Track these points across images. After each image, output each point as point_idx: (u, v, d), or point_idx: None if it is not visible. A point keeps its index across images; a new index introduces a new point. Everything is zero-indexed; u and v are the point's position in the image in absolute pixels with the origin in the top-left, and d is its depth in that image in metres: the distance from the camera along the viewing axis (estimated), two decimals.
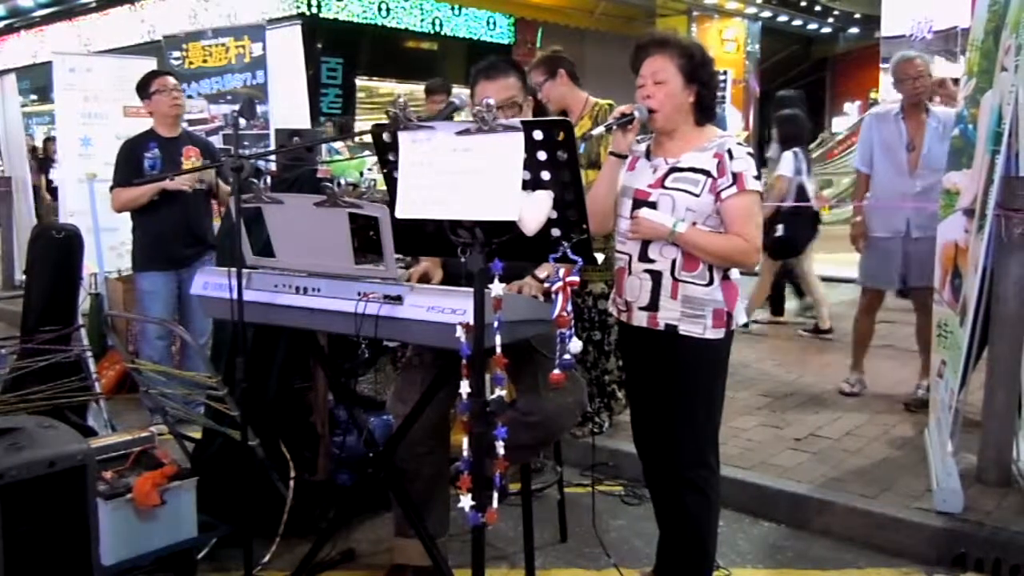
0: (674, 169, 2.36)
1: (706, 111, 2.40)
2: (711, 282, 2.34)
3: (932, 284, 4.32)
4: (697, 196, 2.31)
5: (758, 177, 2.33)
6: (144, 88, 4.28)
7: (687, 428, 2.40)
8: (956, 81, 5.02)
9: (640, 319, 2.41)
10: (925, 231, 4.25)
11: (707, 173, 2.31)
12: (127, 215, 4.34)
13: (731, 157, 2.30)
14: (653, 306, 2.37)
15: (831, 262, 8.07)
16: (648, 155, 2.44)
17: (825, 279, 8.26)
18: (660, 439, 2.47)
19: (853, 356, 4.70)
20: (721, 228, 2.34)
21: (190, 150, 4.25)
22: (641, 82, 2.37)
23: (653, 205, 2.35)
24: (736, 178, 2.30)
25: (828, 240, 8.08)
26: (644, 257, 2.38)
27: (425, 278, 2.63)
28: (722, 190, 2.30)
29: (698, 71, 2.35)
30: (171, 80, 4.29)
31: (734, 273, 2.39)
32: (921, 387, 4.32)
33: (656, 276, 2.36)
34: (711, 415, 2.45)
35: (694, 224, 2.31)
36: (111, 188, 4.21)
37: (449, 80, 5.73)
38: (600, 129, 2.38)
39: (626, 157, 2.42)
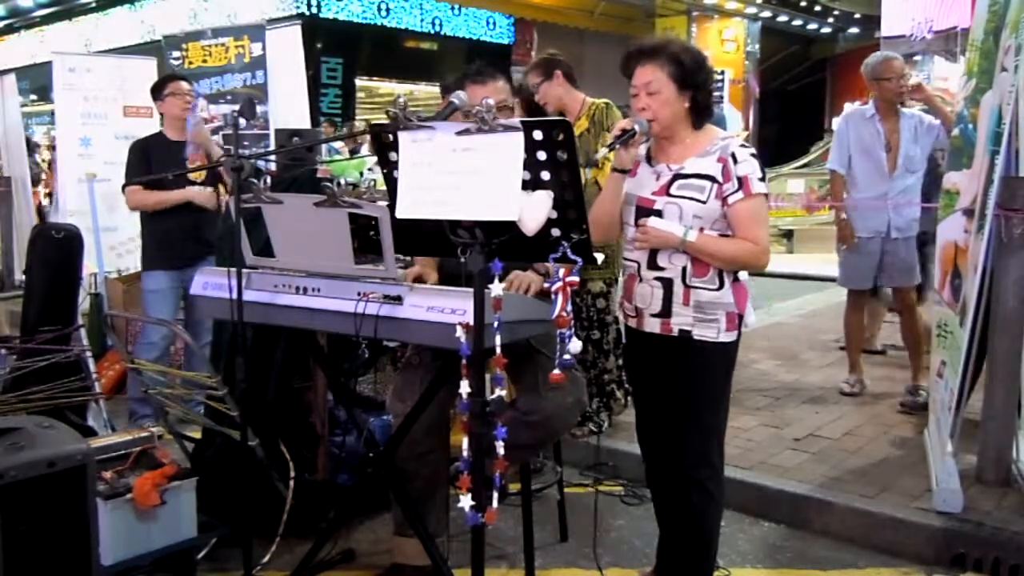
0: (678, 176, 2.34)
1: (703, 113, 2.38)
2: (721, 285, 2.33)
3: (912, 284, 4.37)
4: (703, 203, 2.30)
5: (763, 178, 2.32)
6: (158, 90, 4.37)
7: (695, 429, 2.40)
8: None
9: (652, 326, 2.40)
10: (903, 232, 4.34)
11: (712, 179, 2.30)
12: (128, 215, 4.36)
13: (735, 161, 2.29)
14: (666, 313, 2.37)
15: (829, 262, 8.10)
16: (649, 160, 2.43)
17: (823, 279, 8.28)
18: (667, 440, 2.47)
19: (849, 357, 4.71)
20: (728, 231, 2.33)
21: (196, 155, 4.27)
22: (634, 92, 2.36)
23: (659, 214, 2.34)
24: (742, 182, 2.29)
25: (827, 240, 8.11)
26: (653, 265, 2.37)
27: (419, 281, 2.62)
28: (728, 195, 2.30)
29: (690, 77, 2.32)
30: (185, 85, 4.36)
31: (743, 274, 2.39)
32: (920, 389, 4.32)
33: (667, 283, 2.36)
34: (719, 415, 2.46)
35: (701, 230, 2.31)
36: (124, 187, 4.24)
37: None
38: (603, 151, 2.34)
39: (628, 171, 2.40)
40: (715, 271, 2.33)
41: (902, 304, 4.49)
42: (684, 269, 2.33)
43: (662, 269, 2.36)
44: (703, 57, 2.39)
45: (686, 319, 2.35)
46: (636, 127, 2.30)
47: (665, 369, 2.41)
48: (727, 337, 2.36)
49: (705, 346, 2.35)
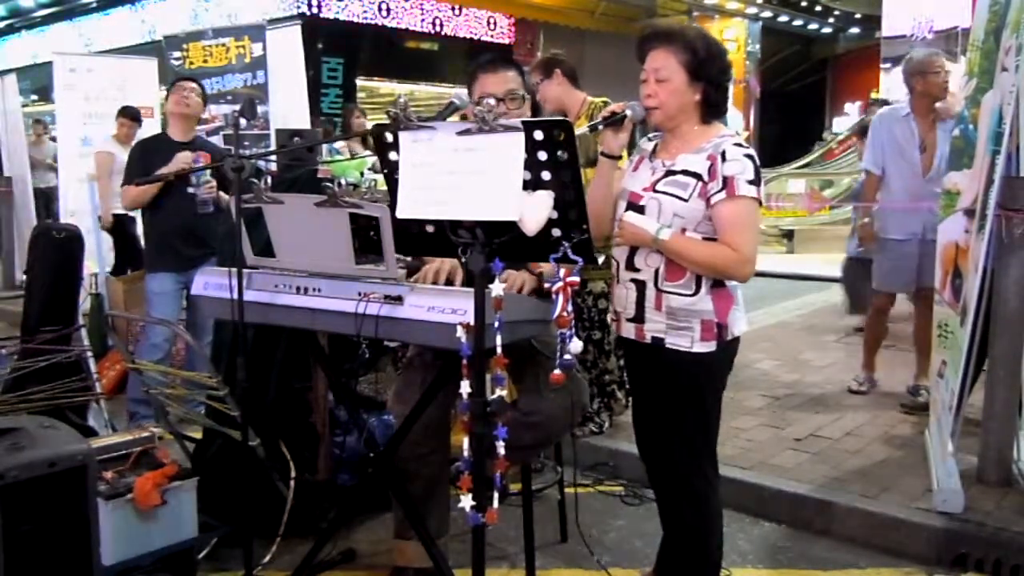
0: (669, 172, 2.24)
1: (714, 109, 2.27)
2: (697, 291, 2.21)
3: None
4: (685, 201, 2.19)
5: (755, 181, 2.17)
6: (167, 92, 4.39)
7: (681, 441, 2.32)
8: None
9: (628, 331, 2.32)
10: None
11: (698, 176, 2.19)
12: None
13: (724, 159, 2.16)
14: (639, 318, 2.27)
15: (829, 262, 8.10)
16: (652, 155, 2.36)
17: (824, 279, 8.28)
18: (659, 448, 2.42)
19: (864, 355, 4.70)
20: (714, 234, 2.21)
21: (200, 155, 4.26)
22: (644, 77, 2.25)
23: (642, 209, 2.25)
24: (726, 182, 2.15)
25: (827, 240, 8.11)
26: (630, 265, 2.28)
27: (453, 275, 2.58)
28: (712, 195, 2.17)
29: (704, 68, 2.21)
30: (188, 83, 4.33)
31: (729, 280, 2.26)
32: (921, 389, 4.31)
33: (640, 286, 2.26)
34: (704, 429, 2.34)
35: (684, 231, 2.20)
36: (122, 186, 4.25)
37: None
38: (583, 129, 2.26)
39: (619, 158, 2.33)
40: (692, 275, 2.20)
41: (924, 305, 4.37)
42: (657, 271, 2.23)
43: (637, 270, 2.26)
44: (721, 50, 2.27)
45: (658, 325, 2.24)
46: (628, 112, 2.22)
47: (645, 376, 2.36)
48: (703, 347, 2.22)
49: (679, 356, 2.23)
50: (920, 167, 4.28)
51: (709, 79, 2.23)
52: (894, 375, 4.81)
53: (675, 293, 2.22)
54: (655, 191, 2.25)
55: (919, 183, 4.28)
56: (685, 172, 2.21)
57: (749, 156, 2.19)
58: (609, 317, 2.52)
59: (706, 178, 2.18)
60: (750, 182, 2.17)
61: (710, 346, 2.23)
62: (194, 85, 4.33)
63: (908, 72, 4.34)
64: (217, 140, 5.35)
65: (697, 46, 2.21)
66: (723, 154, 2.17)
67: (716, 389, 2.34)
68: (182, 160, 3.96)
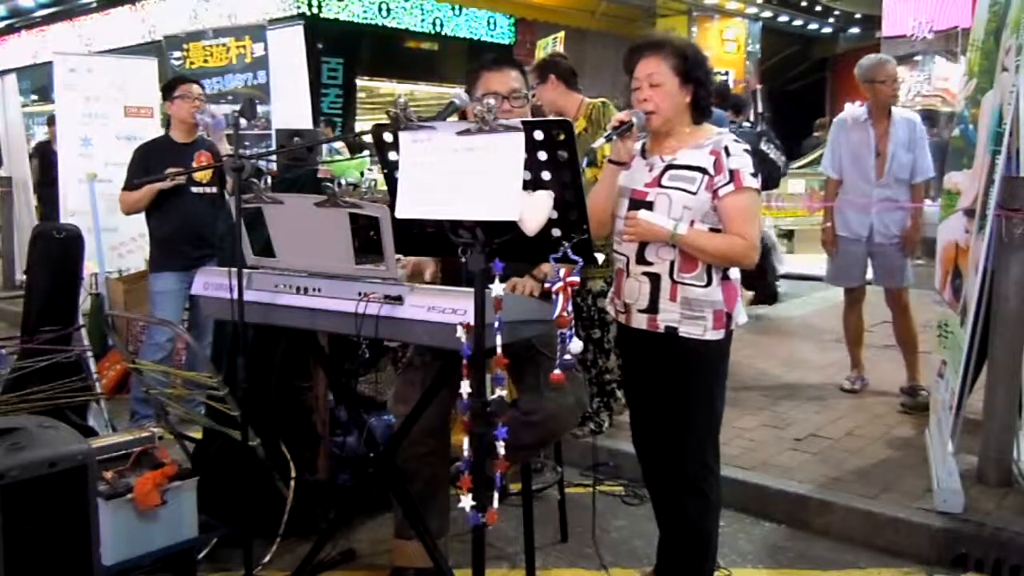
0: (671, 167, 2.35)
1: (702, 110, 2.40)
2: (710, 283, 2.33)
3: (902, 285, 4.39)
4: (694, 194, 2.30)
5: (755, 174, 2.32)
6: (169, 91, 4.38)
7: (688, 430, 2.39)
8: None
9: (640, 321, 2.40)
10: (887, 236, 4.34)
11: (704, 171, 2.30)
12: (130, 216, 4.37)
13: (728, 154, 2.30)
14: (653, 308, 2.36)
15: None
16: (644, 153, 2.44)
17: (823, 279, 8.29)
18: (660, 441, 2.46)
19: (850, 354, 4.73)
20: (718, 225, 2.33)
21: (201, 155, 4.26)
22: (636, 84, 2.37)
23: (650, 205, 2.34)
24: (733, 175, 2.29)
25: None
26: (641, 259, 2.37)
27: (418, 270, 2.64)
28: (719, 188, 2.30)
29: (693, 70, 2.34)
30: (196, 89, 4.33)
31: (733, 272, 2.38)
32: (920, 389, 4.32)
33: (654, 278, 2.35)
34: (712, 417, 2.44)
35: (692, 223, 2.30)
36: (122, 191, 4.25)
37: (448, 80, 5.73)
38: (600, 141, 2.36)
39: (625, 164, 2.40)
40: (703, 267, 2.32)
41: (894, 305, 4.48)
42: (672, 264, 2.33)
43: (650, 264, 2.36)
44: (704, 54, 2.42)
45: (672, 315, 2.34)
46: (634, 119, 2.31)
47: (654, 367, 2.41)
48: (714, 335, 2.34)
49: (691, 344, 2.34)
50: (873, 172, 4.35)
51: (697, 81, 2.36)
52: (893, 375, 4.81)
53: (690, 284, 2.33)
54: (661, 186, 2.34)
55: (870, 187, 4.37)
56: (690, 167, 2.32)
57: (747, 151, 2.33)
58: (611, 310, 2.55)
59: (712, 172, 2.30)
60: (752, 175, 2.31)
61: (719, 334, 2.35)
62: (199, 90, 4.34)
63: (859, 79, 4.42)
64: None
65: (687, 51, 2.35)
66: (726, 149, 2.30)
67: (723, 375, 2.45)
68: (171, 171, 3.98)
